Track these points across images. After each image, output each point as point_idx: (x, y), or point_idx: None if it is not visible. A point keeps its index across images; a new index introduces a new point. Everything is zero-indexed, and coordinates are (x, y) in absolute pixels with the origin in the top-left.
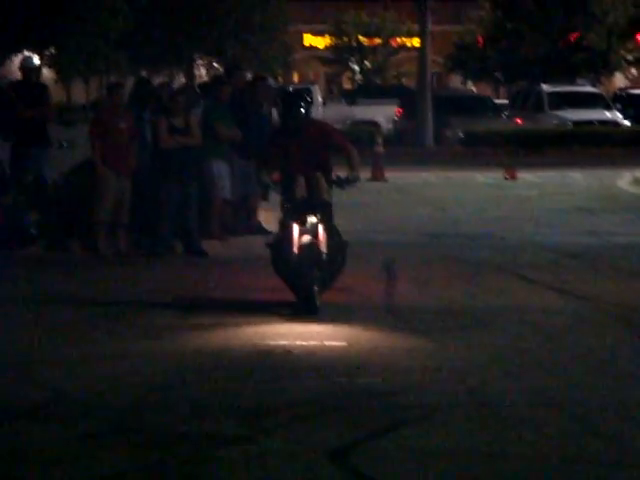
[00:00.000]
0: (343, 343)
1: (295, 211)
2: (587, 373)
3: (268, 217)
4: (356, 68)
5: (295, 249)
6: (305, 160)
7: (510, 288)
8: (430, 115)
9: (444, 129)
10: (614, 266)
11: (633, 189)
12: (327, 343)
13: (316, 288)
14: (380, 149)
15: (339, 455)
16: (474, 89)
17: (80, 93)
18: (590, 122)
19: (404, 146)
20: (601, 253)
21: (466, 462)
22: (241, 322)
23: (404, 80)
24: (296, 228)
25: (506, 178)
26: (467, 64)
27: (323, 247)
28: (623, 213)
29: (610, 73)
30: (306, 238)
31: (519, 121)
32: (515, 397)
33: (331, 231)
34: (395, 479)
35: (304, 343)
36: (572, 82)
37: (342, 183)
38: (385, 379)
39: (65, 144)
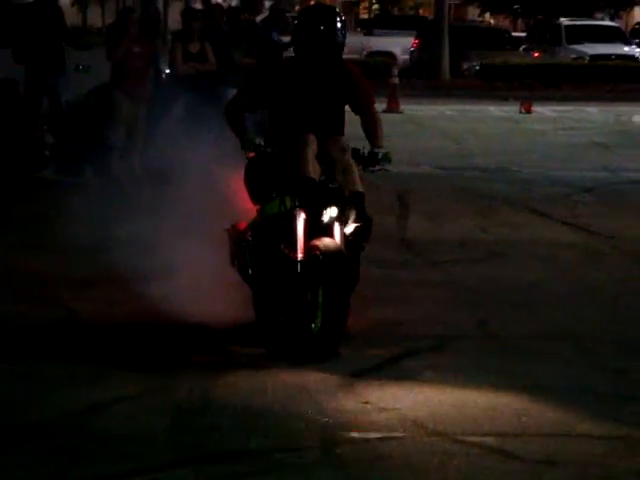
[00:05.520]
0: None
1: (306, 196)
2: (596, 308)
3: None
4: None
5: (300, 254)
6: (323, 117)
7: (523, 222)
8: (447, 47)
9: (461, 61)
10: (627, 202)
11: None
12: None
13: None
14: (396, 80)
15: (345, 384)
16: (492, 21)
17: (96, 17)
18: (608, 56)
19: (420, 78)
20: (615, 188)
21: (473, 394)
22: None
23: (421, 11)
24: (302, 220)
25: (522, 112)
26: None
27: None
28: (638, 149)
29: (629, 7)
30: (329, 242)
31: (536, 54)
32: (524, 329)
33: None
34: (400, 410)
35: None
36: (590, 16)
37: (374, 163)
38: (394, 309)
39: (81, 67)
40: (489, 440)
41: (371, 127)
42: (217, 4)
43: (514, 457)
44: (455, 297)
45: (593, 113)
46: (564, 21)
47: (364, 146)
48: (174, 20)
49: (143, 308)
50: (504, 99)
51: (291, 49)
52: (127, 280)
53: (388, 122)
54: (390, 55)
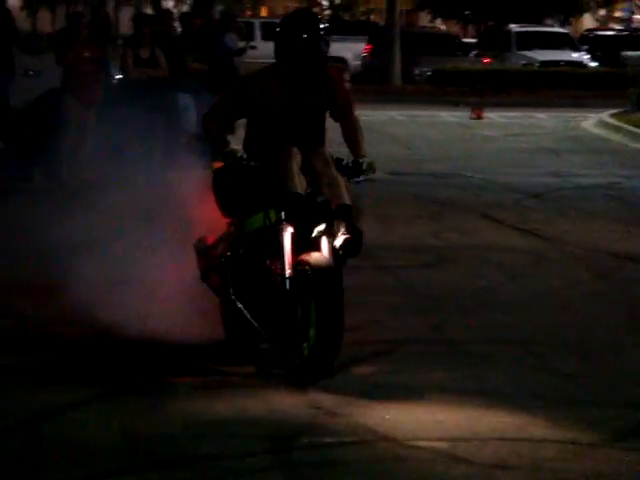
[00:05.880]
0: None
1: (294, 212)
2: (546, 312)
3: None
4: (325, 3)
5: (288, 270)
6: (306, 128)
7: (473, 227)
8: (398, 53)
9: (412, 67)
10: (576, 207)
11: (598, 131)
12: None
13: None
14: (347, 85)
15: (296, 390)
16: (443, 27)
17: (46, 22)
18: (557, 62)
19: (371, 83)
20: (564, 194)
21: (424, 398)
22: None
23: (373, 17)
24: (289, 235)
25: (472, 117)
26: (436, 2)
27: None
28: (587, 155)
29: (578, 14)
30: (319, 257)
31: (487, 60)
32: (475, 334)
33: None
34: (352, 415)
35: None
36: (540, 22)
37: (359, 173)
38: (346, 315)
39: (31, 72)
40: (440, 445)
41: (352, 135)
42: (168, 10)
43: (465, 461)
44: (406, 302)
45: (542, 119)
46: (514, 27)
47: (347, 156)
48: (125, 25)
49: (94, 315)
50: (455, 105)
51: (244, 55)
52: (77, 287)
53: (338, 127)
54: (342, 60)
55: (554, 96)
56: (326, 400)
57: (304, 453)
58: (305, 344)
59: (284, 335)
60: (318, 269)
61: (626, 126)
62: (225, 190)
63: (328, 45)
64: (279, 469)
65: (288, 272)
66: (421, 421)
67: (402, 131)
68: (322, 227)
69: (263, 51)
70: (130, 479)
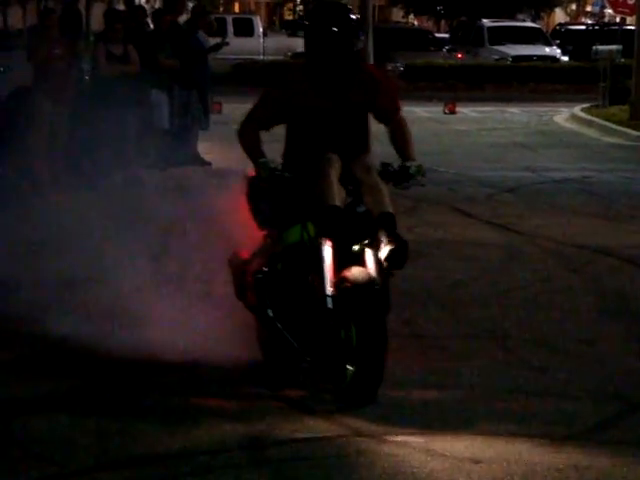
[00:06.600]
0: None
1: (331, 225)
2: (519, 306)
3: (207, 147)
4: None
5: (329, 287)
6: (344, 132)
7: (447, 221)
8: (371, 48)
9: (385, 62)
10: (549, 201)
11: (570, 125)
12: None
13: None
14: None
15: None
16: (415, 23)
17: (17, 18)
18: (530, 57)
19: None
20: (537, 188)
21: (399, 393)
22: None
23: None
24: (329, 250)
25: (445, 112)
26: None
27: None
28: (560, 149)
29: (550, 9)
30: (359, 273)
31: (459, 56)
32: (448, 329)
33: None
34: (327, 410)
35: None
36: (512, 17)
37: (407, 178)
38: None
39: (1, 69)
40: (415, 439)
41: (399, 138)
42: (140, 6)
43: (440, 455)
44: None
45: (515, 113)
46: (486, 22)
47: (393, 161)
48: (96, 21)
49: (63, 312)
50: (428, 100)
51: (218, 52)
52: (39, 284)
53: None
54: None
55: (527, 91)
56: (301, 396)
57: (281, 449)
58: (350, 368)
59: (327, 358)
60: (356, 285)
61: (598, 120)
62: (260, 200)
63: (360, 38)
64: (254, 465)
65: (329, 290)
66: (395, 416)
67: (375, 127)
68: (364, 240)
69: (235, 47)
70: (103, 476)
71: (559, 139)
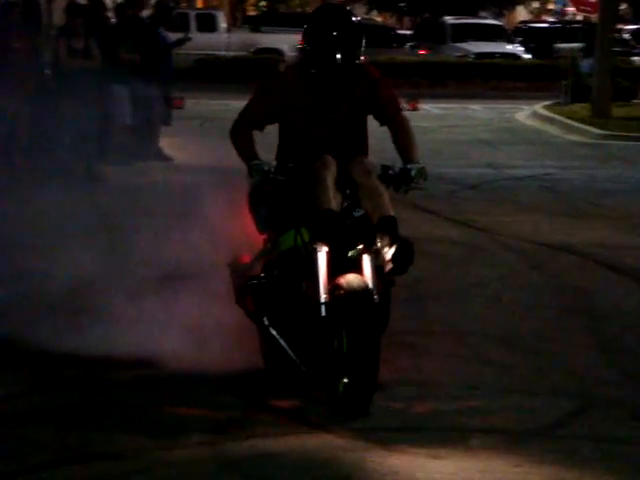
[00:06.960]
0: None
1: (325, 230)
2: (481, 303)
3: (169, 143)
4: None
5: (323, 294)
6: (341, 134)
7: (408, 218)
8: None
9: None
10: (511, 198)
11: (531, 122)
12: None
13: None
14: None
15: (236, 383)
16: (378, 19)
17: None
18: (492, 54)
19: None
20: (499, 185)
21: None
22: None
23: (308, 9)
24: (324, 255)
25: (408, 109)
26: None
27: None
28: (521, 146)
29: (512, 6)
30: (353, 279)
31: (422, 52)
32: (410, 325)
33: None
34: (290, 407)
35: None
36: (475, 15)
37: (407, 181)
38: None
39: None
40: (374, 435)
41: (402, 139)
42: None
43: (399, 451)
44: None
45: (477, 110)
46: (449, 19)
47: (394, 162)
48: (57, 15)
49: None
50: None
51: (181, 47)
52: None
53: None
54: (278, 52)
55: (489, 88)
56: (264, 392)
57: (243, 444)
58: (342, 379)
59: (320, 368)
60: (349, 293)
61: (559, 117)
62: (260, 204)
63: (362, 40)
64: (213, 461)
65: (323, 297)
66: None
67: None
68: (360, 245)
69: (198, 42)
70: (62, 471)
71: (521, 136)
